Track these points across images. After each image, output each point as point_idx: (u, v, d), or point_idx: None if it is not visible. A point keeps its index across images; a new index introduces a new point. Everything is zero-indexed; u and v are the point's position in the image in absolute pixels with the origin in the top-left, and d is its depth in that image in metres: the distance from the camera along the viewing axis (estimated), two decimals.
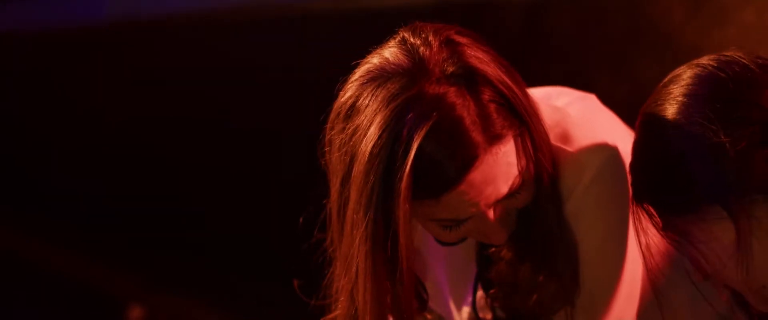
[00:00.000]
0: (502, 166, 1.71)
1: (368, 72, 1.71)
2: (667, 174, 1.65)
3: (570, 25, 2.98)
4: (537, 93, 1.86)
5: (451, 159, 1.66)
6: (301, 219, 1.89)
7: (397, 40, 1.74)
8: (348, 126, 1.70)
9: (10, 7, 3.74)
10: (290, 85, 3.34)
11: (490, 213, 1.75)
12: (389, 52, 1.72)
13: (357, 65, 1.76)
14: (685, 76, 1.68)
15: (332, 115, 1.75)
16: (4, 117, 3.80)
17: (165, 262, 3.63)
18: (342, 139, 1.71)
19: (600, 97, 2.00)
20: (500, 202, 1.76)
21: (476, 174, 1.69)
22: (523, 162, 1.74)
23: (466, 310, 2.01)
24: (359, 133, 1.68)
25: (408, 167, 1.64)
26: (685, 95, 1.65)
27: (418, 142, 1.64)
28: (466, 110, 1.67)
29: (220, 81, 3.53)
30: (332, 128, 1.75)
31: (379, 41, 1.78)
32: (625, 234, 1.87)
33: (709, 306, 2.07)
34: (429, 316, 2.06)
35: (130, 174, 3.67)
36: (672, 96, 1.67)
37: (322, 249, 1.89)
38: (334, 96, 1.76)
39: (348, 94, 1.72)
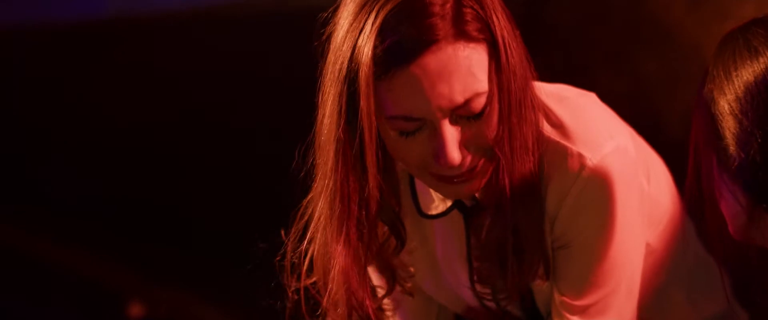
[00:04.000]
0: (461, 68, 1.71)
1: None
2: None
3: (570, 19, 2.98)
4: (539, 87, 1.86)
5: (410, 33, 1.69)
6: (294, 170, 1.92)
7: None
8: (338, 14, 1.77)
9: (8, 3, 3.74)
10: (291, 83, 3.33)
11: (443, 125, 1.73)
12: None
13: None
14: None
15: (332, 10, 1.80)
16: (4, 113, 3.79)
17: (165, 258, 3.62)
18: (331, 25, 1.78)
19: (600, 91, 1.99)
20: (458, 121, 1.74)
21: (431, 60, 1.69)
22: (494, 87, 1.74)
23: (466, 294, 2.01)
24: (342, 18, 1.75)
25: (373, 34, 1.69)
26: None
27: (384, 14, 1.69)
28: (441, 0, 1.71)
29: (220, 79, 3.53)
30: (328, 19, 1.80)
31: None
32: (624, 231, 1.86)
33: (710, 303, 2.07)
34: (412, 269, 2.05)
35: (131, 170, 3.66)
36: None
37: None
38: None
39: None
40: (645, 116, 2.10)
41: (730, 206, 1.59)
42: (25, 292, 3.67)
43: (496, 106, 1.74)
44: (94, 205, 3.69)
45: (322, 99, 1.79)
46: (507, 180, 1.79)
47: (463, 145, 1.75)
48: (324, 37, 1.81)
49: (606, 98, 1.98)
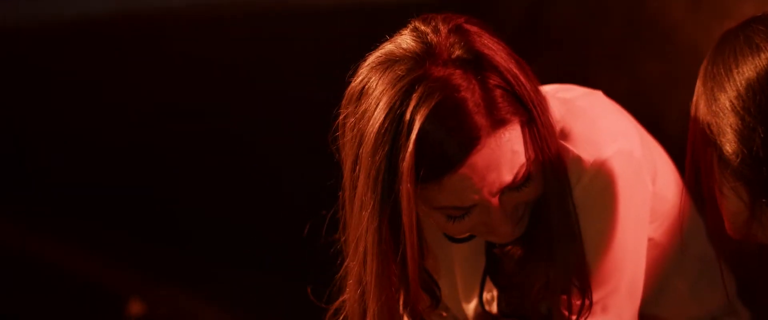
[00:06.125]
0: (506, 153, 1.71)
1: (379, 57, 1.75)
2: None
3: (570, 20, 2.98)
4: (543, 88, 1.86)
5: (453, 140, 1.68)
6: (306, 227, 1.90)
7: (408, 28, 1.77)
8: (357, 109, 1.73)
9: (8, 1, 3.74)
10: (294, 83, 3.34)
11: (495, 203, 1.75)
12: (400, 39, 1.75)
13: (355, 61, 1.79)
14: None
15: (344, 101, 1.78)
16: (3, 110, 3.79)
17: (165, 257, 3.62)
18: (352, 122, 1.74)
19: (600, 91, 2.00)
20: (505, 194, 1.75)
21: (478, 158, 1.69)
22: (531, 153, 1.74)
23: (474, 304, 2.01)
24: (367, 115, 1.71)
25: (411, 147, 1.66)
26: None
27: (420, 122, 1.66)
28: (470, 92, 1.69)
29: (219, 76, 3.53)
30: (344, 113, 1.77)
31: (379, 36, 1.80)
32: (625, 233, 1.86)
33: (713, 297, 2.07)
34: (444, 314, 2.06)
35: (130, 169, 3.66)
36: None
37: (325, 245, 1.91)
38: (343, 87, 1.79)
39: (359, 79, 1.75)
40: (645, 115, 2.10)
41: (732, 203, 1.60)
42: (24, 291, 3.66)
43: (537, 167, 1.76)
44: (93, 203, 3.69)
45: (353, 208, 1.76)
46: (553, 219, 1.82)
47: (512, 209, 1.78)
48: (341, 141, 1.78)
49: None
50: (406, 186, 1.67)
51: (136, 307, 3.55)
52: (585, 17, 2.95)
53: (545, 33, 3.00)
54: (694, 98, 1.66)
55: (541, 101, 1.77)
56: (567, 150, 1.83)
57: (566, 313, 1.87)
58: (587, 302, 1.86)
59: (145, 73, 3.61)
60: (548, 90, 1.89)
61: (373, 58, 1.76)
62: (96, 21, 3.67)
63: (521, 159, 1.74)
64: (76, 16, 3.66)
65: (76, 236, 3.73)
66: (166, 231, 3.60)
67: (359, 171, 1.72)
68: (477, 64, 1.71)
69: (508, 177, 1.73)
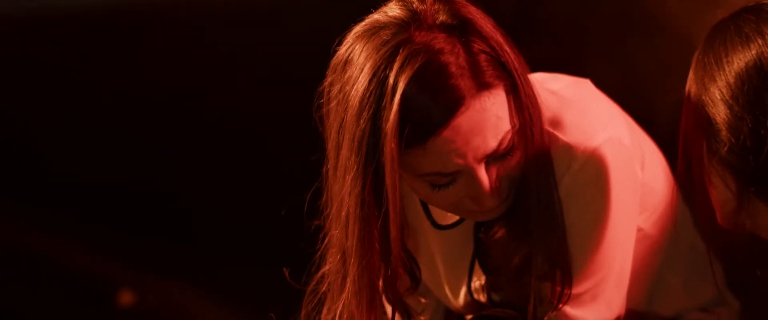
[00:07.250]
0: (491, 117, 1.72)
1: (364, 25, 1.76)
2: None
3: (562, 10, 2.98)
4: (531, 77, 1.86)
5: (437, 102, 1.69)
6: (283, 211, 1.90)
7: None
8: (343, 76, 1.74)
9: None
10: (284, 73, 3.34)
11: (480, 171, 1.75)
12: (386, 8, 1.77)
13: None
14: None
15: (329, 69, 1.79)
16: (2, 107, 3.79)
17: (155, 247, 3.62)
18: (337, 88, 1.75)
19: (592, 82, 2.00)
20: (491, 162, 1.75)
21: (462, 120, 1.70)
22: (515, 120, 1.75)
23: (463, 293, 2.01)
24: (352, 80, 1.72)
25: (395, 108, 1.67)
26: None
27: (403, 85, 1.67)
28: (454, 56, 1.70)
29: (214, 69, 3.53)
30: (329, 80, 1.78)
31: None
32: (615, 221, 1.87)
33: (706, 290, 2.08)
34: (423, 300, 2.06)
35: (121, 160, 3.66)
36: None
37: (312, 234, 1.90)
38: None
39: (345, 47, 1.76)
40: (636, 106, 2.11)
41: (720, 192, 1.61)
42: (13, 281, 3.67)
43: (521, 137, 1.77)
44: (84, 194, 3.69)
45: (336, 173, 1.77)
46: (533, 199, 1.82)
47: (497, 181, 1.78)
48: (325, 108, 1.79)
49: (597, 88, 1.99)
50: (389, 147, 1.68)
51: (126, 297, 3.55)
52: (576, 8, 2.95)
53: (537, 24, 3.00)
54: (687, 88, 1.67)
55: (525, 72, 1.77)
56: (557, 138, 1.84)
57: (553, 301, 1.88)
58: (567, 290, 1.86)
59: (140, 65, 3.62)
60: (536, 79, 1.90)
61: (359, 27, 1.77)
62: (96, 14, 3.66)
63: (506, 125, 1.74)
64: (76, 7, 3.66)
65: (66, 227, 3.73)
66: (157, 221, 3.60)
67: (343, 135, 1.73)
68: (461, 29, 1.72)
69: (492, 143, 1.73)
